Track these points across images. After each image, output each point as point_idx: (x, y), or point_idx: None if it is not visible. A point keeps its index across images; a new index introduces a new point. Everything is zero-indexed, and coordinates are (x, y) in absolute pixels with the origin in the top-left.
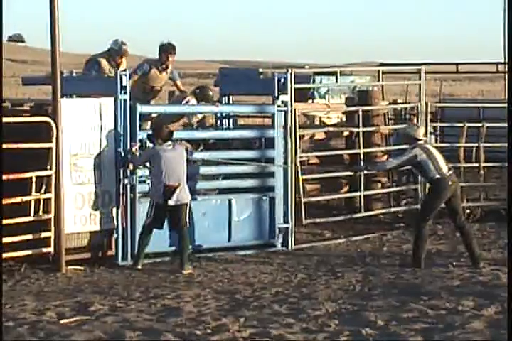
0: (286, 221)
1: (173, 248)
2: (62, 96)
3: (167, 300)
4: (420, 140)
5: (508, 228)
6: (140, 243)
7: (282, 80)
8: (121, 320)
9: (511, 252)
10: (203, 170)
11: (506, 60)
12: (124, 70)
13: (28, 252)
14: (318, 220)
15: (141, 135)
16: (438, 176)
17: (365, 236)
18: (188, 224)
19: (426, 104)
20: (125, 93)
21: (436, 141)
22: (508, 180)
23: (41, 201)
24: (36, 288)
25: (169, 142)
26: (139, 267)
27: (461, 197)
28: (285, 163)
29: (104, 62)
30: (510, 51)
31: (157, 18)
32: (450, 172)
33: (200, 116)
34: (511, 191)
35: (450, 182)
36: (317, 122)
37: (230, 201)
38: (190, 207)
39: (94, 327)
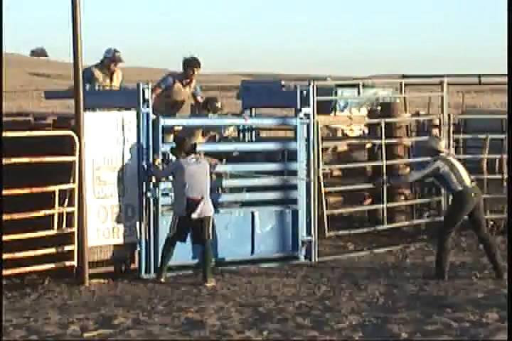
0: (309, 233)
1: (196, 261)
2: (84, 110)
3: (190, 314)
4: (442, 152)
5: (508, 239)
6: (163, 256)
7: (305, 92)
8: (144, 334)
9: (511, 256)
10: (226, 182)
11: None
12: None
13: (52, 265)
14: (341, 232)
15: (164, 148)
16: (460, 188)
17: (388, 248)
18: (211, 236)
19: (449, 115)
20: (147, 106)
21: (456, 153)
22: (508, 192)
23: (64, 214)
24: (60, 302)
25: (192, 155)
26: (162, 280)
27: (484, 209)
28: (308, 175)
29: (97, 72)
30: (510, 63)
31: (178, 31)
32: (473, 184)
33: (231, 129)
34: (511, 216)
35: (473, 194)
36: (339, 134)
37: (252, 214)
38: (213, 220)
39: None
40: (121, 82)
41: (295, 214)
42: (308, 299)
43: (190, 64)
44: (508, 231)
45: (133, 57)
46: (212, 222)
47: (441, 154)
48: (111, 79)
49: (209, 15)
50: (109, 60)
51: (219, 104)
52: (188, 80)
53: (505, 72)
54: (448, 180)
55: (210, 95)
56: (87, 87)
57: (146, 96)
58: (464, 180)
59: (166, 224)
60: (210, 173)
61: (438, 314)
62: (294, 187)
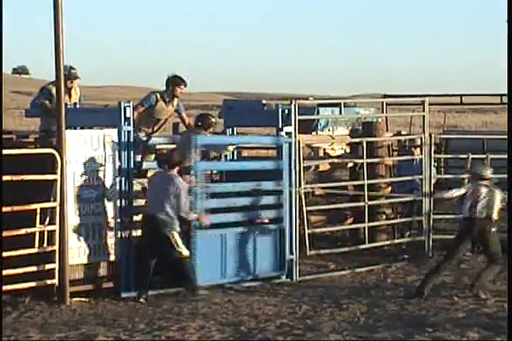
0: (291, 252)
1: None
2: (66, 128)
3: (171, 332)
4: (484, 180)
5: (508, 258)
6: (139, 274)
7: (286, 112)
8: None
9: (511, 258)
10: (210, 203)
11: (507, 92)
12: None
13: (33, 284)
14: (322, 252)
15: (145, 166)
16: (467, 216)
17: (370, 267)
18: (182, 255)
19: (430, 135)
20: (129, 124)
21: (437, 173)
22: (508, 210)
23: (46, 233)
24: (40, 320)
25: (172, 170)
26: (142, 300)
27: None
28: (290, 194)
29: (54, 90)
30: (510, 65)
31: (161, 50)
32: (484, 216)
33: (230, 149)
34: (511, 221)
35: (478, 227)
36: (321, 154)
37: (235, 233)
38: (188, 239)
39: None
40: (79, 97)
41: (277, 233)
42: (290, 318)
43: (177, 82)
44: (508, 253)
45: (114, 76)
46: (191, 241)
47: (481, 181)
48: (69, 96)
49: (191, 35)
50: (66, 78)
51: (213, 120)
52: (171, 98)
53: (487, 92)
54: (464, 203)
55: (192, 114)
56: (49, 105)
57: (128, 115)
58: (477, 211)
59: None
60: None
61: (419, 333)
62: (279, 206)
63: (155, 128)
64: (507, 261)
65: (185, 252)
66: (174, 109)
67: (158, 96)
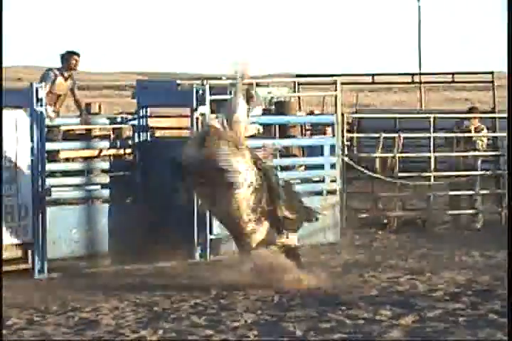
0: (204, 232)
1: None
2: None
3: (85, 313)
4: None
5: (508, 236)
6: None
7: (200, 92)
8: (38, 334)
9: (511, 255)
10: None
11: (507, 70)
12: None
13: None
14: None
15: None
16: None
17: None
18: None
19: (342, 114)
20: (41, 105)
21: (350, 151)
22: (508, 191)
23: None
24: None
25: None
26: None
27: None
28: None
29: None
30: (510, 62)
31: (74, 28)
32: None
33: None
34: (511, 201)
35: None
36: None
37: None
38: None
39: None
40: None
41: (192, 212)
42: (204, 298)
43: (71, 54)
44: (508, 229)
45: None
46: None
47: None
48: None
49: (102, 13)
50: None
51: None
52: (69, 74)
53: (399, 71)
54: None
55: (104, 94)
56: None
57: (40, 95)
58: None
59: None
60: None
61: (332, 312)
62: None
63: (57, 105)
64: (507, 260)
65: None
66: (71, 83)
67: (57, 72)
